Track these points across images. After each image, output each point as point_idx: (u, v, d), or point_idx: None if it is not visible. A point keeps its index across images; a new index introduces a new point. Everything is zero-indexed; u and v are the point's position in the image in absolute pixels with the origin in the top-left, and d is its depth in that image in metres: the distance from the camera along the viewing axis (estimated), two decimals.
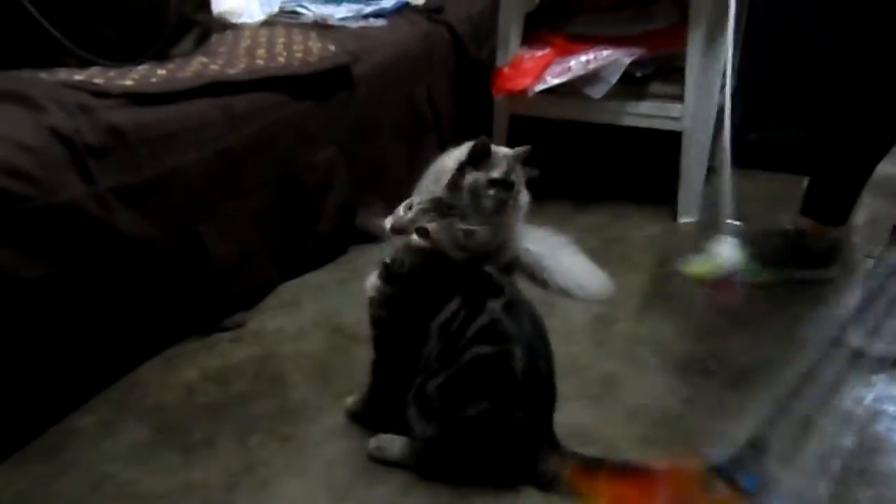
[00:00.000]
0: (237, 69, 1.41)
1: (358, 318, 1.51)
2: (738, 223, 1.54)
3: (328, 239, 1.67)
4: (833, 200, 1.63)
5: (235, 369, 1.35)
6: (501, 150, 1.51)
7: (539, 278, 1.67)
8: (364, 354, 1.38)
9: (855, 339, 1.39)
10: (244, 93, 1.39)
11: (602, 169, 2.43)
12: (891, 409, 1.25)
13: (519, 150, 1.52)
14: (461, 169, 1.42)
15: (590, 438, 1.17)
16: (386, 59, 1.80)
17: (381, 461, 1.11)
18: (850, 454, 1.14)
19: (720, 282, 1.48)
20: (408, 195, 1.67)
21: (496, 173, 1.46)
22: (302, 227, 1.60)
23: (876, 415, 1.23)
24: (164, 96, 1.23)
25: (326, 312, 1.54)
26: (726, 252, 1.49)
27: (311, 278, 1.67)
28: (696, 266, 1.53)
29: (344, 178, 1.66)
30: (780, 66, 2.25)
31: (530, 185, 1.71)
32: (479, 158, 1.46)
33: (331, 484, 1.09)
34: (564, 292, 1.63)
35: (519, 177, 1.51)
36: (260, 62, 1.48)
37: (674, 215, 2.02)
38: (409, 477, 1.09)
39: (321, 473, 1.11)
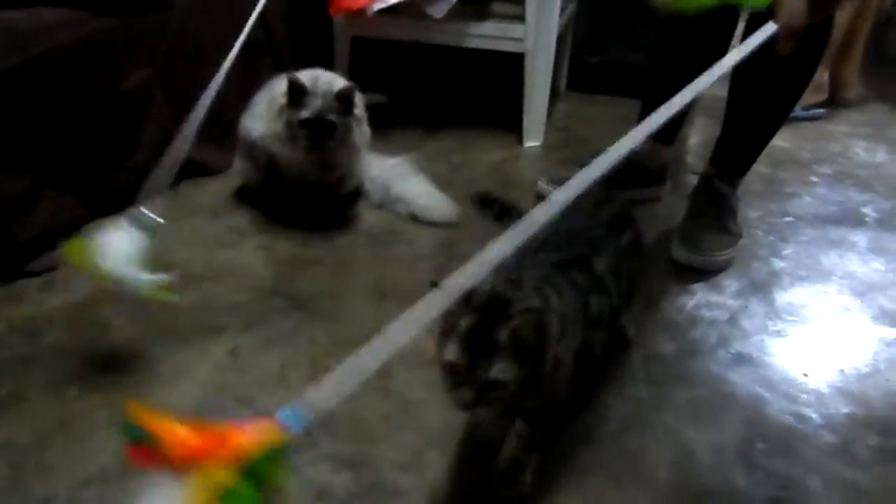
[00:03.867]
0: None
1: (189, 256, 1.43)
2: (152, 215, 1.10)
3: (147, 171, 1.52)
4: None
5: (47, 318, 1.23)
6: (323, 87, 1.46)
7: (385, 205, 1.65)
8: (192, 294, 1.31)
9: (676, 251, 1.48)
10: (30, 7, 1.21)
11: (451, 93, 2.40)
12: (707, 314, 1.34)
13: (343, 86, 1.47)
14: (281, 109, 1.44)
15: None
16: None
17: None
18: (670, 359, 1.23)
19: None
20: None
21: (306, 113, 1.43)
22: (112, 158, 1.45)
23: (694, 321, 1.32)
24: None
25: (154, 250, 1.43)
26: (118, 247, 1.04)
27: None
28: (75, 250, 1.04)
29: (163, 105, 1.52)
30: None
31: (378, 111, 1.66)
32: (295, 96, 1.44)
33: None
34: (412, 217, 1.61)
35: (344, 113, 1.47)
36: None
37: (520, 139, 2.04)
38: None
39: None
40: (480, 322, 0.78)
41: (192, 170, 1.69)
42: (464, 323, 0.79)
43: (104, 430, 1.02)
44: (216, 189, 1.69)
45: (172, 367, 1.15)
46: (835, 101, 2.48)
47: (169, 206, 1.57)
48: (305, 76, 1.49)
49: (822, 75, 2.41)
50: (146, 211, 1.09)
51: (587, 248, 1.03)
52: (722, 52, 1.57)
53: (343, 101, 1.46)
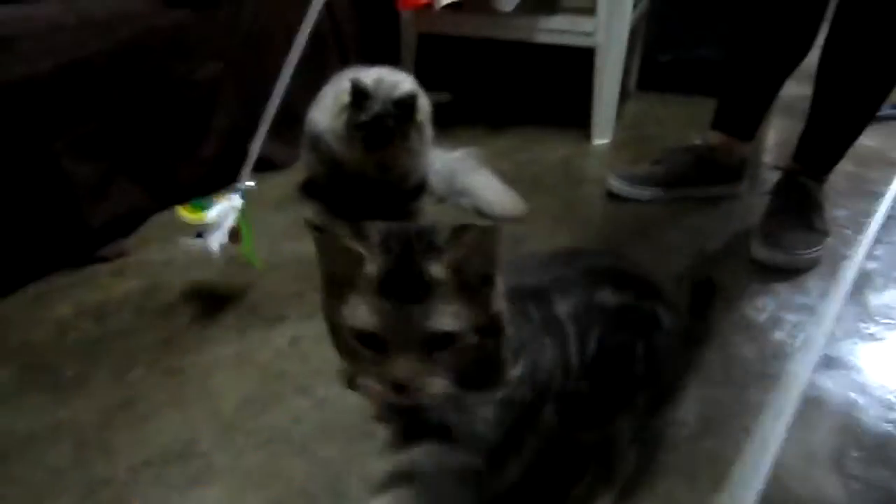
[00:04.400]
0: None
1: (254, 245, 1.43)
2: (250, 184, 1.29)
3: (216, 163, 1.54)
4: (742, 114, 1.62)
5: (116, 303, 1.25)
6: (385, 91, 1.45)
7: (451, 199, 1.62)
8: (261, 281, 1.31)
9: (757, 250, 1.40)
10: None
11: (518, 90, 2.36)
12: (791, 316, 1.25)
13: (404, 93, 1.45)
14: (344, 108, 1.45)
15: None
16: None
17: None
18: (751, 361, 1.14)
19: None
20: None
21: (364, 117, 1.43)
22: (182, 149, 1.47)
23: (777, 322, 1.24)
24: None
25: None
26: (224, 209, 1.22)
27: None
28: (189, 211, 1.22)
29: (231, 98, 1.54)
30: None
31: (443, 109, 1.63)
32: (357, 98, 1.43)
33: (216, 415, 1.01)
34: (477, 212, 1.57)
35: (403, 119, 1.45)
36: None
37: (588, 137, 1.98)
38: (297, 406, 1.03)
39: (206, 405, 1.03)
40: (400, 263, 0.57)
41: (259, 164, 1.70)
42: (373, 269, 0.57)
43: (164, 410, 1.02)
44: (283, 183, 1.69)
45: (235, 354, 1.14)
46: None
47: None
48: (371, 76, 1.48)
49: None
50: (242, 184, 1.28)
51: (551, 282, 0.76)
52: (808, 43, 1.49)
53: (403, 108, 1.44)
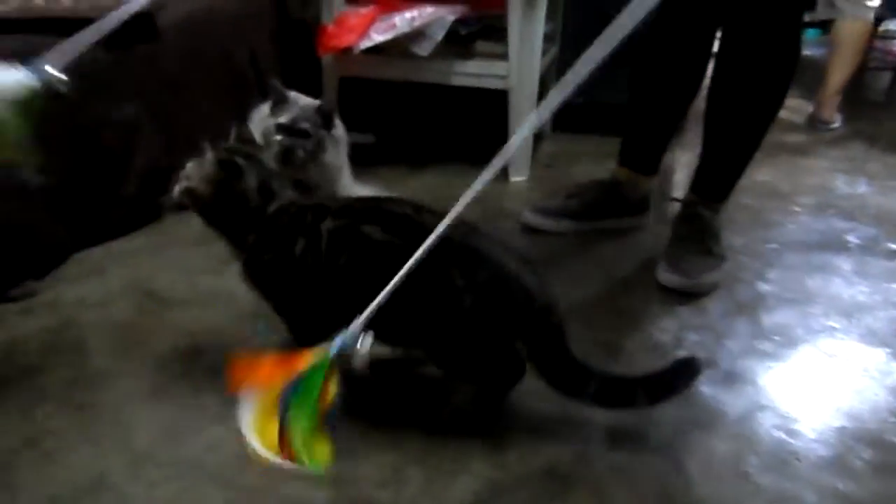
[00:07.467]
0: (8, 6, 1.25)
1: (172, 282, 1.43)
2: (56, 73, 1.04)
3: (136, 203, 1.54)
4: (643, 152, 1.73)
5: (23, 341, 1.21)
6: (300, 100, 1.46)
7: None
8: (178, 316, 1.30)
9: (661, 275, 1.48)
10: (16, 33, 1.23)
11: (438, 131, 2.44)
12: (693, 336, 1.33)
13: (316, 101, 1.47)
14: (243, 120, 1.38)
15: None
16: (196, 13, 1.69)
17: None
18: None
19: None
20: None
21: (284, 119, 1.40)
22: (101, 189, 1.46)
23: (680, 342, 1.31)
24: None
25: (137, 278, 1.43)
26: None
27: (119, 245, 1.54)
28: None
29: (152, 139, 1.54)
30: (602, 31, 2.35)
31: (365, 150, 1.67)
32: (277, 104, 1.42)
33: (128, 448, 0.99)
34: None
35: (317, 127, 1.43)
36: (39, 2, 1.32)
37: (506, 175, 2.06)
38: (215, 435, 1.02)
39: (118, 439, 1.01)
40: None
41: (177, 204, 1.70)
42: None
43: (75, 446, 0.99)
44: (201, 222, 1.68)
45: (150, 387, 1.12)
46: (812, 124, 2.59)
47: (151, 238, 1.60)
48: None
49: None
50: (51, 69, 1.02)
51: None
52: (695, 86, 1.62)
53: (323, 115, 1.44)
